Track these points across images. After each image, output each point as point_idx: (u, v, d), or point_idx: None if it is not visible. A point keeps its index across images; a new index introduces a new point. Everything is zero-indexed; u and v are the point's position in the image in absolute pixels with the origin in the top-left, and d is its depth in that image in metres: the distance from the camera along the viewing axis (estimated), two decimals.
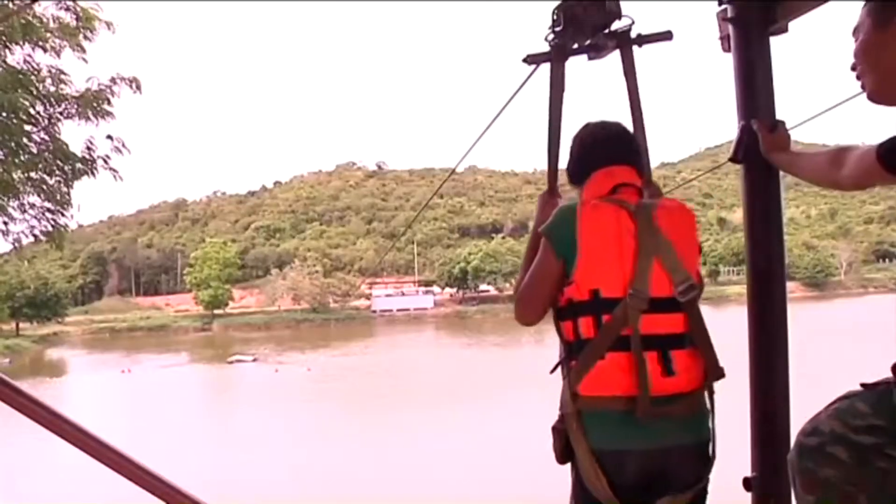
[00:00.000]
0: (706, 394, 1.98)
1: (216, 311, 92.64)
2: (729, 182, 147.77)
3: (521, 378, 38.82)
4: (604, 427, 1.81)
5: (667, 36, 2.35)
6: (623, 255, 1.84)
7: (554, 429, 1.95)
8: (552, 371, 2.14)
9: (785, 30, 2.44)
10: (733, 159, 2.48)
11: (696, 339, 1.90)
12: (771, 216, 2.41)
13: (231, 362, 53.20)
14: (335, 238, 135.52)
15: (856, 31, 1.71)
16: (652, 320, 1.81)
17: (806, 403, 2.04)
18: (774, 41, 2.44)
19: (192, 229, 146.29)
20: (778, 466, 2.23)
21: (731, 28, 2.44)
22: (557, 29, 2.28)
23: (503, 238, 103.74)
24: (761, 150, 2.32)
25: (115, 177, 6.87)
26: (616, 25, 2.28)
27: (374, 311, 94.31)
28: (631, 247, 1.85)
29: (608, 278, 1.83)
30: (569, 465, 1.95)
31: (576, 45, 2.34)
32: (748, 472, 2.42)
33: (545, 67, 2.35)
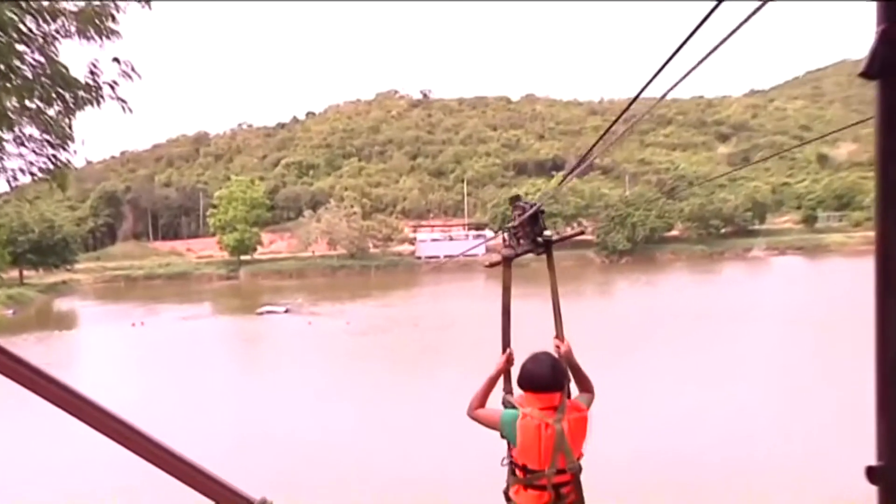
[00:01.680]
0: None
1: (243, 258, 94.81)
2: (833, 112, 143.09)
3: (582, 334, 39.17)
4: None
5: (580, 233, 4.91)
6: (544, 449, 3.95)
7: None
8: (504, 463, 4.26)
9: None
10: (866, 73, 2.22)
11: (575, 484, 4.10)
12: None
13: (260, 314, 54.09)
14: (375, 176, 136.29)
15: None
16: (557, 478, 4.01)
17: None
18: None
19: (216, 166, 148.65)
20: None
21: None
22: (507, 245, 4.59)
23: (564, 176, 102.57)
24: None
25: (124, 107, 6.71)
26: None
27: (419, 258, 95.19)
28: (550, 444, 3.94)
29: (532, 461, 4.00)
30: None
31: (519, 251, 4.65)
32: (872, 462, 2.24)
33: None
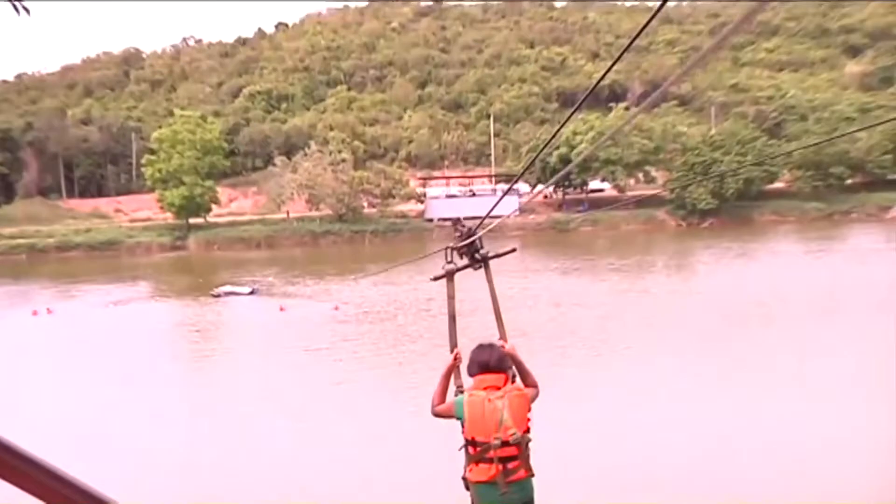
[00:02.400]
0: (531, 479, 6.21)
1: (192, 221, 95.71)
2: None
3: (648, 329, 37.96)
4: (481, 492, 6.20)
5: (512, 250, 8.44)
6: (488, 421, 6.04)
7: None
8: (460, 448, 6.30)
9: None
10: None
11: (522, 458, 6.09)
12: None
13: (216, 296, 54.23)
14: (370, 110, 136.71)
15: None
16: (503, 451, 6.04)
17: None
18: None
19: (152, 96, 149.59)
20: None
21: None
22: (448, 261, 7.33)
23: (626, 109, 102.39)
24: None
25: (17, 7, 6.18)
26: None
27: (430, 220, 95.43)
28: (494, 417, 6.03)
29: (482, 432, 6.06)
30: None
31: (460, 266, 7.46)
32: None
33: None
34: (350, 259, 73.64)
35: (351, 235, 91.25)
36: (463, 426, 6.29)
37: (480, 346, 6.59)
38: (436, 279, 7.70)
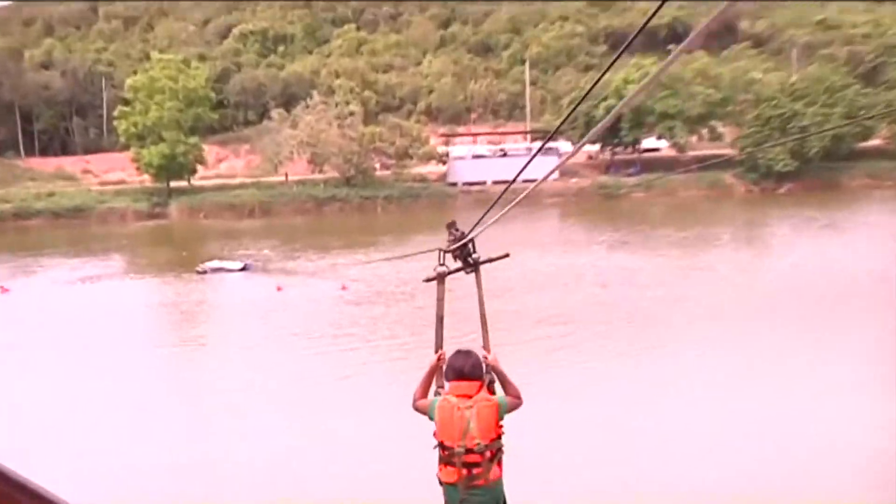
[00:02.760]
0: (495, 486, 7.68)
1: (174, 184, 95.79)
2: None
3: (717, 306, 37.60)
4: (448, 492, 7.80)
5: (504, 256, 9.14)
6: (455, 428, 7.48)
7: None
8: (434, 448, 7.69)
9: None
10: None
11: (487, 464, 7.51)
12: None
13: (202, 273, 54.10)
14: (384, 53, 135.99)
15: None
16: (467, 458, 7.48)
17: None
18: None
19: (126, 36, 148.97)
20: None
21: None
22: (441, 263, 8.77)
23: (689, 52, 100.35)
24: None
25: None
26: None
27: (453, 184, 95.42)
28: (461, 426, 7.45)
29: (448, 437, 7.52)
30: None
31: (451, 270, 8.88)
32: None
33: None
34: (359, 230, 73.10)
35: (360, 202, 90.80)
36: (435, 429, 7.62)
37: (458, 352, 7.85)
38: (427, 281, 8.94)
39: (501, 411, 7.51)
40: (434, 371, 8.14)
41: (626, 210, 78.92)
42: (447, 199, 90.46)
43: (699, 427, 22.76)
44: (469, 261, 8.61)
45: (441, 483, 7.66)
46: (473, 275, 8.86)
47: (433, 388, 8.07)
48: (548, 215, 68.94)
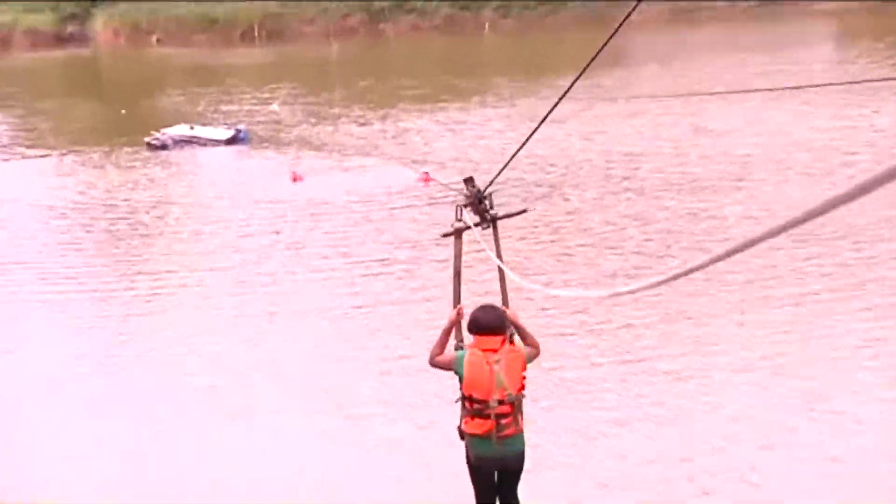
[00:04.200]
0: (522, 434, 8.58)
1: None
2: None
3: None
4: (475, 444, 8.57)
5: (522, 211, 11.09)
6: (486, 381, 8.11)
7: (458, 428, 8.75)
8: (457, 401, 8.54)
9: None
10: None
11: (515, 414, 8.31)
12: None
13: (157, 147, 37.90)
14: None
15: None
16: (499, 409, 8.18)
17: None
18: None
19: None
20: None
21: None
22: (458, 219, 9.13)
23: None
24: None
25: None
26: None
27: None
28: (491, 378, 8.09)
29: (479, 390, 8.14)
30: None
31: (469, 224, 9.17)
32: None
33: None
34: (447, 64, 53.68)
35: (451, 14, 66.49)
36: (461, 381, 8.26)
37: (482, 307, 8.46)
38: (444, 236, 9.84)
39: (527, 362, 8.29)
40: (452, 327, 8.66)
41: None
42: (606, 16, 59.49)
43: None
44: (486, 216, 9.19)
45: (465, 435, 8.41)
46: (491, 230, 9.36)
47: (451, 342, 8.63)
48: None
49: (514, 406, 8.08)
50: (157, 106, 45.56)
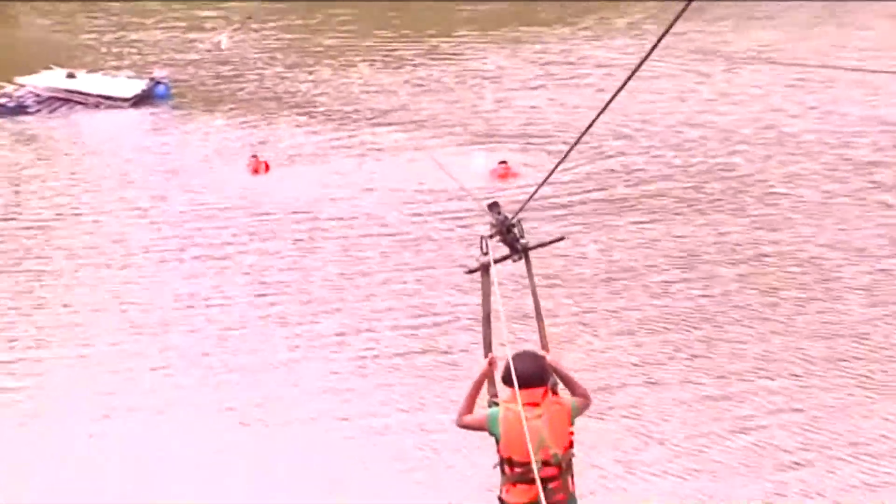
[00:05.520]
0: (574, 499, 6.84)
1: None
2: None
3: None
4: None
5: (559, 239, 9.38)
6: (526, 441, 5.73)
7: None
8: (494, 466, 6.76)
9: None
10: None
11: (564, 476, 6.63)
12: None
13: (17, 108, 28.49)
14: None
15: None
16: (544, 471, 6.13)
17: None
18: None
19: None
20: None
21: None
22: (484, 252, 6.78)
23: None
24: None
25: None
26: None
27: None
28: (534, 438, 5.91)
29: (519, 453, 6.16)
30: None
31: (497, 258, 6.91)
32: None
33: None
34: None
35: None
36: (497, 443, 6.92)
37: (521, 355, 6.98)
38: (470, 272, 8.07)
39: (574, 415, 6.99)
40: (485, 379, 7.22)
41: None
42: None
43: None
44: (517, 247, 7.43)
45: None
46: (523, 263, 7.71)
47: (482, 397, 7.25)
48: None
49: (562, 467, 6.82)
50: (7, 34, 31.37)
